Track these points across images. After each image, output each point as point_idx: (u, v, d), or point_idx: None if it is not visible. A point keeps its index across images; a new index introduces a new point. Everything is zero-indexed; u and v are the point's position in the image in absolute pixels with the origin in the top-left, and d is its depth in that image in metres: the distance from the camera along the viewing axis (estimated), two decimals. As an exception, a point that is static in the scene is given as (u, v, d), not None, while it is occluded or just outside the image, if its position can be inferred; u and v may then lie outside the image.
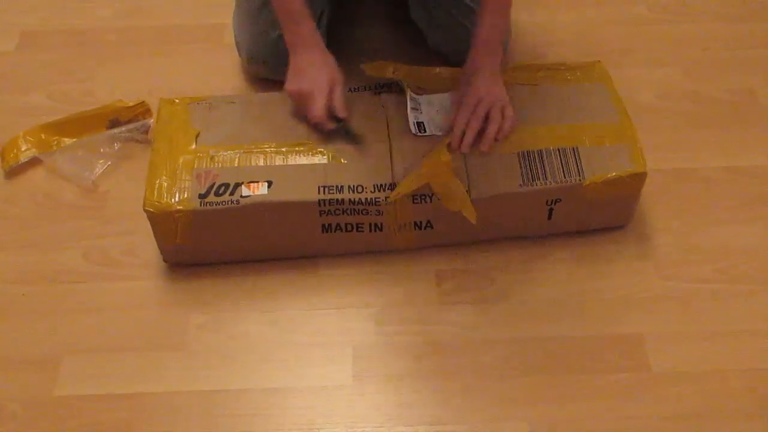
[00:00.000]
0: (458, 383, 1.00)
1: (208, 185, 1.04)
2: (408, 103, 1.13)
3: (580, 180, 1.05)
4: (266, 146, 1.08)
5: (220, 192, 1.04)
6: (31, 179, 1.22)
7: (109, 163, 1.23)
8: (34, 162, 1.24)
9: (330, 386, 1.00)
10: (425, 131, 1.11)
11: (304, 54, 1.12)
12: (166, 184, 1.05)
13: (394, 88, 1.16)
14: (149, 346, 1.04)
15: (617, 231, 1.14)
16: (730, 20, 1.45)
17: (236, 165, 1.06)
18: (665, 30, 1.41)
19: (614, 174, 1.06)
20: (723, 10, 1.47)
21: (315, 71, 1.10)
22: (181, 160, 1.07)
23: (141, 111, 1.26)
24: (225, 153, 1.08)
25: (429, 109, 1.13)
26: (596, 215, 1.11)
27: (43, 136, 1.24)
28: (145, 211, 1.04)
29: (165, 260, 1.11)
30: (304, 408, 0.99)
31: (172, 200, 1.03)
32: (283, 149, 1.08)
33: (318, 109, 1.08)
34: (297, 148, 1.08)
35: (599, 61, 1.20)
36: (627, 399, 0.99)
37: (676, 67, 1.36)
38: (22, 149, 1.23)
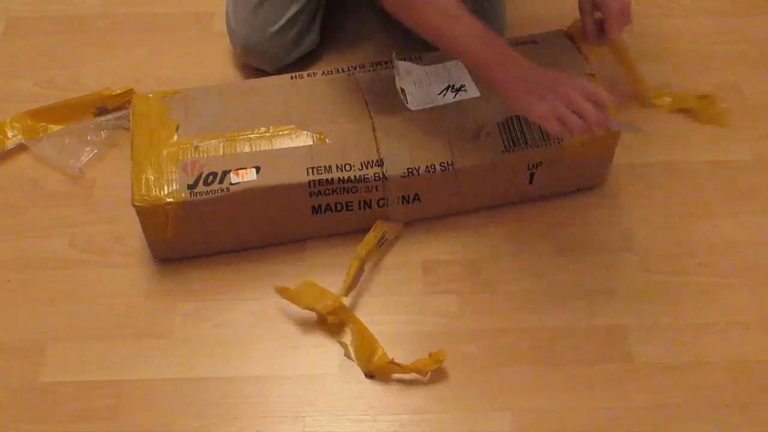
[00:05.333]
0: (443, 373, 1.01)
1: (195, 175, 1.04)
2: (394, 67, 1.13)
3: (559, 141, 1.08)
4: (249, 132, 1.08)
5: (209, 181, 1.04)
6: (18, 166, 1.22)
7: (96, 150, 1.22)
8: (20, 149, 1.23)
9: (316, 375, 1.01)
10: (407, 102, 1.11)
11: (514, 66, 0.97)
12: (152, 177, 1.04)
13: (367, 67, 1.17)
14: (135, 333, 1.04)
15: (603, 224, 1.15)
16: (717, 15, 1.46)
17: (221, 153, 1.06)
18: (652, 24, 1.42)
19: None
20: (710, 5, 1.48)
21: (545, 78, 0.96)
22: (164, 153, 1.06)
23: (128, 99, 1.25)
24: (209, 142, 1.07)
25: (407, 78, 1.14)
26: (574, 176, 1.14)
27: (29, 123, 1.24)
28: (134, 206, 1.03)
29: (154, 256, 1.10)
30: (289, 396, 0.99)
31: (162, 193, 1.03)
32: (267, 134, 1.08)
33: (596, 123, 0.93)
34: (281, 132, 1.09)
35: (563, 29, 1.21)
36: (609, 390, 0.99)
37: (663, 61, 1.37)
38: (9, 136, 1.23)
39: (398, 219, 1.12)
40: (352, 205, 1.08)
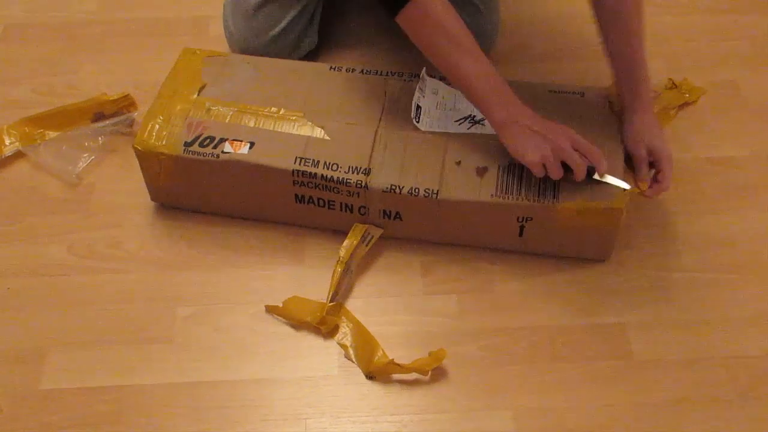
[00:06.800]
0: (443, 373, 1.01)
1: (195, 135, 1.09)
2: (419, 81, 1.13)
3: (552, 202, 1.03)
4: (261, 109, 1.11)
5: (205, 144, 1.08)
6: (16, 173, 1.22)
7: (93, 156, 1.23)
8: (18, 156, 1.23)
9: (316, 377, 1.01)
10: (419, 120, 1.11)
11: (513, 110, 1.00)
12: (158, 126, 1.10)
13: (404, 77, 1.16)
14: (136, 338, 1.04)
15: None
16: (714, 12, 1.46)
17: (227, 121, 1.10)
18: (649, 22, 1.42)
19: (589, 203, 1.03)
20: (707, 3, 1.48)
21: (539, 125, 1.00)
22: (178, 107, 1.12)
23: (125, 104, 1.26)
24: (221, 108, 1.12)
25: (431, 97, 1.13)
26: (570, 242, 1.08)
27: (27, 130, 1.24)
28: (134, 148, 1.09)
29: (152, 199, 1.16)
30: (290, 398, 0.99)
31: (160, 143, 1.08)
32: (276, 115, 1.11)
33: (581, 171, 0.99)
34: (289, 116, 1.11)
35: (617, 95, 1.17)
36: (609, 387, 1.00)
37: (660, 59, 1.37)
38: (6, 143, 1.23)
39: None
40: (334, 205, 1.09)
